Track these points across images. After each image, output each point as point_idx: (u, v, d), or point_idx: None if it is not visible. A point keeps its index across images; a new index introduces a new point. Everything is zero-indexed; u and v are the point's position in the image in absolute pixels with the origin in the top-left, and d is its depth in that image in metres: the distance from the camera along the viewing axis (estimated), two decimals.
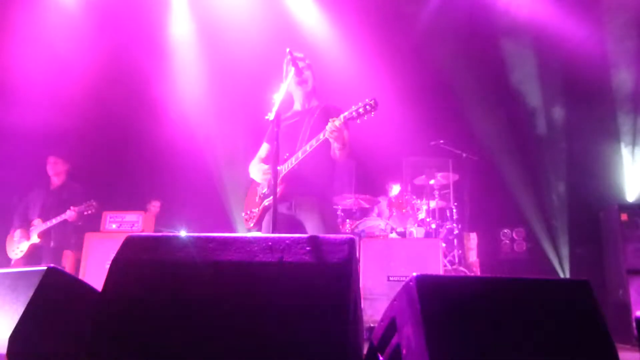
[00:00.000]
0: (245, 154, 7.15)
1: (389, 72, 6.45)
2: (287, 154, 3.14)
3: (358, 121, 2.83)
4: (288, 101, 3.38)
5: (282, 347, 1.47)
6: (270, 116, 2.66)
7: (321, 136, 2.94)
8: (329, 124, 2.86)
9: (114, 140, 6.70)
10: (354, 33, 6.62)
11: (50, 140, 6.07)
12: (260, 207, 3.27)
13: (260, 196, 3.32)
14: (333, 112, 3.21)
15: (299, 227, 3.14)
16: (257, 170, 3.36)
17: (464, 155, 6.31)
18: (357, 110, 2.80)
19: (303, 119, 3.28)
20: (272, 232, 2.50)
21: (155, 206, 6.72)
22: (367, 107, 2.77)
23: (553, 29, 6.33)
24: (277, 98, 2.76)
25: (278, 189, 3.06)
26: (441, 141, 6.23)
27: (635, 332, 4.49)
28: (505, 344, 1.47)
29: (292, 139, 3.21)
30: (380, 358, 1.68)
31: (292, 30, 6.71)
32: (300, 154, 3.04)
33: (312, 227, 3.08)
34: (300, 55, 3.34)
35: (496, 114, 6.97)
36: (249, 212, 3.39)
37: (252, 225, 3.31)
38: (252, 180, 3.51)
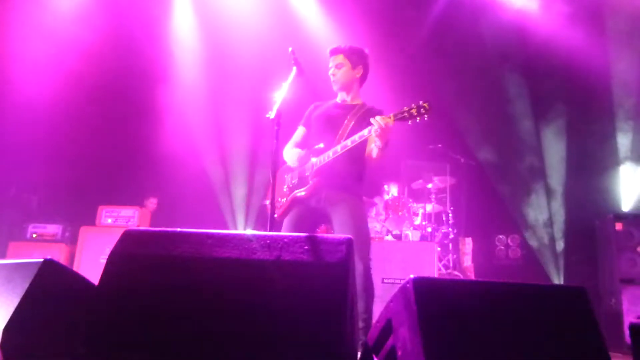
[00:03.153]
0: (244, 152, 7.17)
1: (389, 75, 6.46)
2: (323, 146, 3.01)
3: (409, 122, 2.69)
4: (329, 92, 3.34)
5: (278, 345, 1.47)
6: (271, 115, 2.65)
7: (365, 132, 2.79)
8: (379, 119, 2.68)
9: (113, 136, 6.68)
10: (356, 35, 6.62)
11: (48, 135, 6.06)
12: (289, 198, 3.11)
13: (289, 186, 3.17)
14: (378, 115, 3.12)
15: (325, 220, 3.04)
16: (293, 154, 3.16)
17: (462, 160, 6.32)
18: (409, 111, 2.68)
19: (346, 113, 3.15)
20: (269, 231, 2.50)
21: (152, 203, 6.70)
22: (422, 109, 2.65)
23: (553, 36, 6.36)
24: (278, 97, 2.75)
25: (311, 182, 2.98)
26: (439, 145, 6.25)
27: (628, 340, 4.51)
28: (500, 348, 1.48)
29: (331, 131, 3.08)
30: (375, 359, 1.68)
31: (293, 28, 6.71)
32: (339, 149, 2.90)
33: (339, 223, 2.93)
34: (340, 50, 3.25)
35: (495, 121, 7.00)
36: (278, 200, 3.21)
37: (276, 215, 3.11)
38: (281, 167, 3.35)
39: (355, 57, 3.26)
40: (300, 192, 3.04)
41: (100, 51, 6.32)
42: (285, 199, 3.15)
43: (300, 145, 3.29)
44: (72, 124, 6.31)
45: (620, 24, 6.07)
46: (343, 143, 2.90)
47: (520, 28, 6.50)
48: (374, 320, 1.87)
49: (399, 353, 1.51)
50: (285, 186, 3.21)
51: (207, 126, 7.02)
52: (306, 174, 3.05)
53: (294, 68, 2.93)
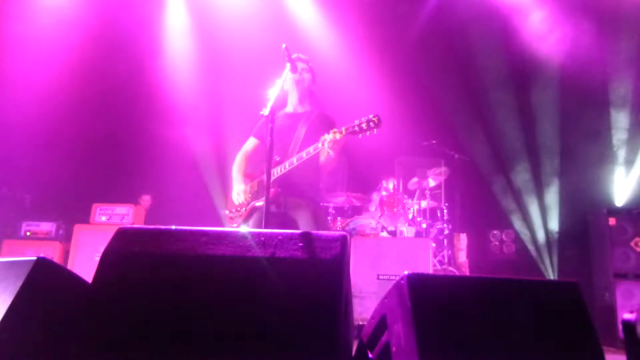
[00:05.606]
0: (238, 149, 7.15)
1: (383, 71, 6.46)
2: (279, 158, 3.13)
3: (360, 136, 2.81)
4: (281, 100, 3.39)
5: (273, 342, 1.47)
6: (265, 111, 2.65)
7: (319, 145, 2.93)
8: (330, 135, 2.83)
9: (107, 133, 6.65)
10: (349, 32, 6.62)
11: (41, 132, 6.01)
12: (249, 207, 3.27)
13: (250, 194, 3.32)
14: (328, 121, 3.24)
15: (290, 224, 3.16)
16: (240, 182, 3.39)
17: (456, 156, 6.33)
18: (359, 125, 2.78)
19: (296, 123, 3.28)
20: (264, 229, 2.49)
21: (146, 200, 6.68)
22: (371, 123, 2.76)
23: (548, 34, 6.37)
24: (272, 94, 2.74)
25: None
26: (434, 141, 6.25)
27: (621, 334, 4.54)
28: (494, 343, 1.48)
29: (284, 142, 3.20)
30: (370, 355, 1.68)
31: (288, 27, 6.69)
32: (295, 160, 3.04)
33: (304, 225, 3.10)
34: (303, 57, 3.35)
35: (488, 116, 7.01)
36: (233, 211, 3.37)
37: (235, 225, 3.32)
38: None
39: (313, 71, 3.44)
40: (260, 202, 3.21)
41: (94, 49, 6.28)
42: (244, 208, 3.33)
43: (251, 155, 3.49)
44: (65, 122, 6.27)
45: (614, 14, 6.09)
46: (298, 155, 3.04)
47: (513, 21, 6.51)
48: (368, 317, 1.87)
49: (394, 349, 1.52)
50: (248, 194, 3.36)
51: (201, 123, 7.00)
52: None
53: (288, 65, 2.93)
